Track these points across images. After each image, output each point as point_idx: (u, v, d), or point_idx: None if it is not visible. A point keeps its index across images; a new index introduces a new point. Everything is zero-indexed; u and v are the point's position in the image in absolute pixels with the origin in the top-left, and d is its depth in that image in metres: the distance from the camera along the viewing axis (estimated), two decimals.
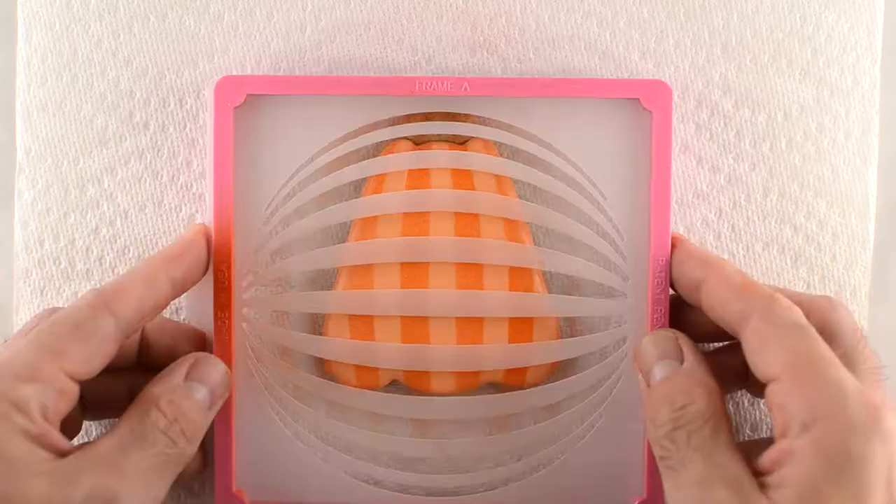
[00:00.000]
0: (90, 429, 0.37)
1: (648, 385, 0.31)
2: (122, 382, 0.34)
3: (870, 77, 0.37)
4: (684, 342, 0.32)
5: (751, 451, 0.29)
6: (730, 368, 0.33)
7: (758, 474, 0.28)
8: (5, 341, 0.33)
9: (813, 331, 0.29)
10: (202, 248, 0.34)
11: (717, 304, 0.31)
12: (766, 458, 0.28)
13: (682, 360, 0.31)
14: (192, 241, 0.34)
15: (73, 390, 0.30)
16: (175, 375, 0.32)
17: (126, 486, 0.28)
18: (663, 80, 0.36)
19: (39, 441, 0.28)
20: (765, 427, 0.37)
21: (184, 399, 0.31)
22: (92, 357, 0.30)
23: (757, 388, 0.34)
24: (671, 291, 0.35)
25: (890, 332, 0.41)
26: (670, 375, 0.31)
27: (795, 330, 0.29)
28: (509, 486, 0.36)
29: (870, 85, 0.37)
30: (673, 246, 0.34)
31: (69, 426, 0.32)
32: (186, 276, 0.33)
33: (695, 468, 0.28)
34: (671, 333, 0.33)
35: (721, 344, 0.36)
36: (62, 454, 0.29)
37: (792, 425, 0.28)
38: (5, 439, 0.28)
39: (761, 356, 0.29)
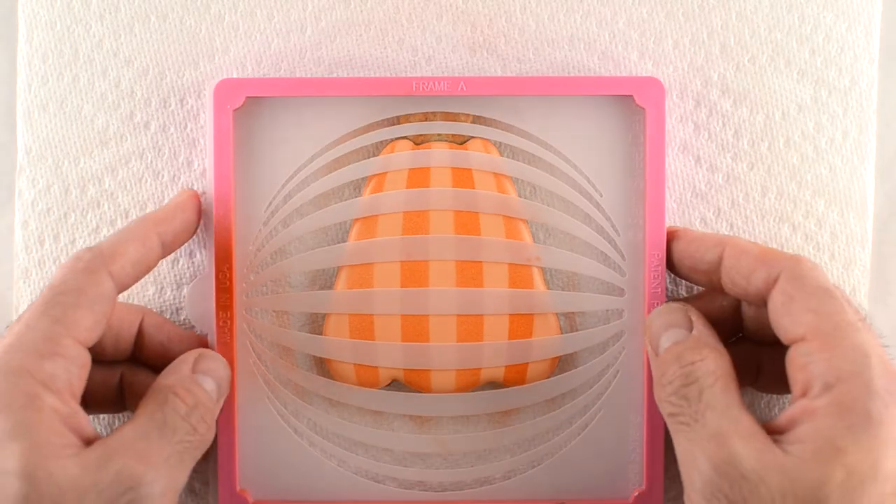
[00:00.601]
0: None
1: (657, 355, 0.32)
2: (115, 375, 0.35)
3: (867, 76, 0.37)
4: (693, 312, 0.32)
5: None
6: (738, 366, 0.33)
7: (771, 433, 0.29)
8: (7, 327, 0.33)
9: (839, 293, 0.30)
10: (192, 211, 0.35)
11: (741, 276, 0.32)
12: (783, 417, 0.29)
13: (691, 329, 0.32)
14: (182, 204, 0.34)
15: (89, 361, 0.30)
16: (183, 368, 0.32)
17: (150, 472, 0.28)
18: (662, 79, 0.36)
19: (69, 423, 0.28)
20: None
21: (198, 388, 0.31)
22: (98, 322, 0.30)
23: (767, 385, 0.34)
24: (667, 286, 0.35)
25: (890, 332, 0.41)
26: (680, 340, 0.31)
27: (822, 292, 0.30)
28: (510, 480, 0.36)
29: (867, 84, 0.37)
30: (674, 238, 0.35)
31: None
32: (175, 237, 0.34)
33: (708, 423, 0.29)
34: (681, 305, 0.33)
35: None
36: (88, 441, 0.29)
37: (814, 385, 0.28)
38: (37, 421, 0.27)
39: (788, 317, 0.30)
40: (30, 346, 0.29)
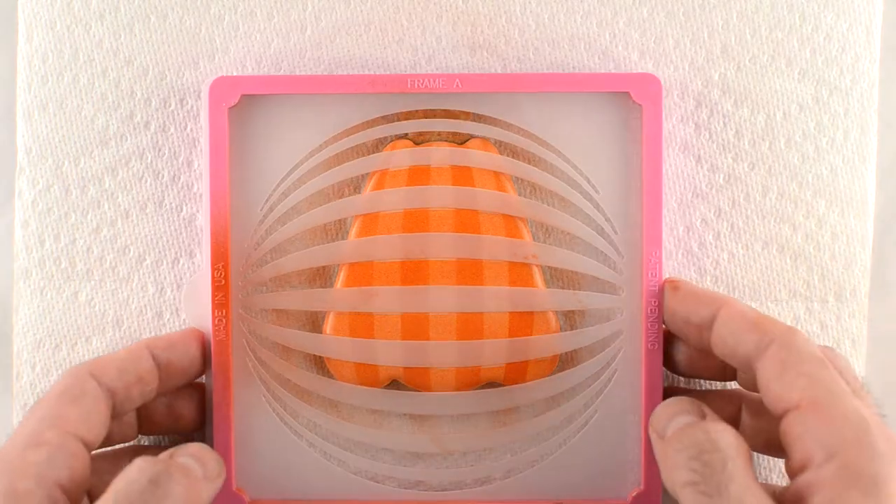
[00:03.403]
0: None
1: (662, 437, 0.31)
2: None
3: (868, 76, 0.37)
4: (705, 407, 0.32)
5: None
6: None
7: None
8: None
9: (831, 364, 0.30)
10: (192, 346, 0.35)
11: (733, 336, 0.31)
12: (790, 492, 0.28)
13: (702, 417, 0.31)
14: (180, 337, 0.35)
15: (83, 451, 0.30)
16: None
17: None
18: (662, 79, 0.36)
19: None
20: (778, 473, 0.37)
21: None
22: (88, 416, 0.31)
23: (763, 448, 0.34)
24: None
25: (890, 332, 0.41)
26: (694, 422, 0.31)
27: (816, 361, 0.30)
28: (509, 480, 0.36)
29: (868, 84, 0.37)
30: (673, 289, 0.34)
31: None
32: (172, 361, 0.34)
33: (731, 496, 0.28)
34: (692, 399, 0.33)
35: None
36: None
37: (814, 455, 0.28)
38: None
39: (780, 383, 0.29)
40: (19, 441, 0.30)
